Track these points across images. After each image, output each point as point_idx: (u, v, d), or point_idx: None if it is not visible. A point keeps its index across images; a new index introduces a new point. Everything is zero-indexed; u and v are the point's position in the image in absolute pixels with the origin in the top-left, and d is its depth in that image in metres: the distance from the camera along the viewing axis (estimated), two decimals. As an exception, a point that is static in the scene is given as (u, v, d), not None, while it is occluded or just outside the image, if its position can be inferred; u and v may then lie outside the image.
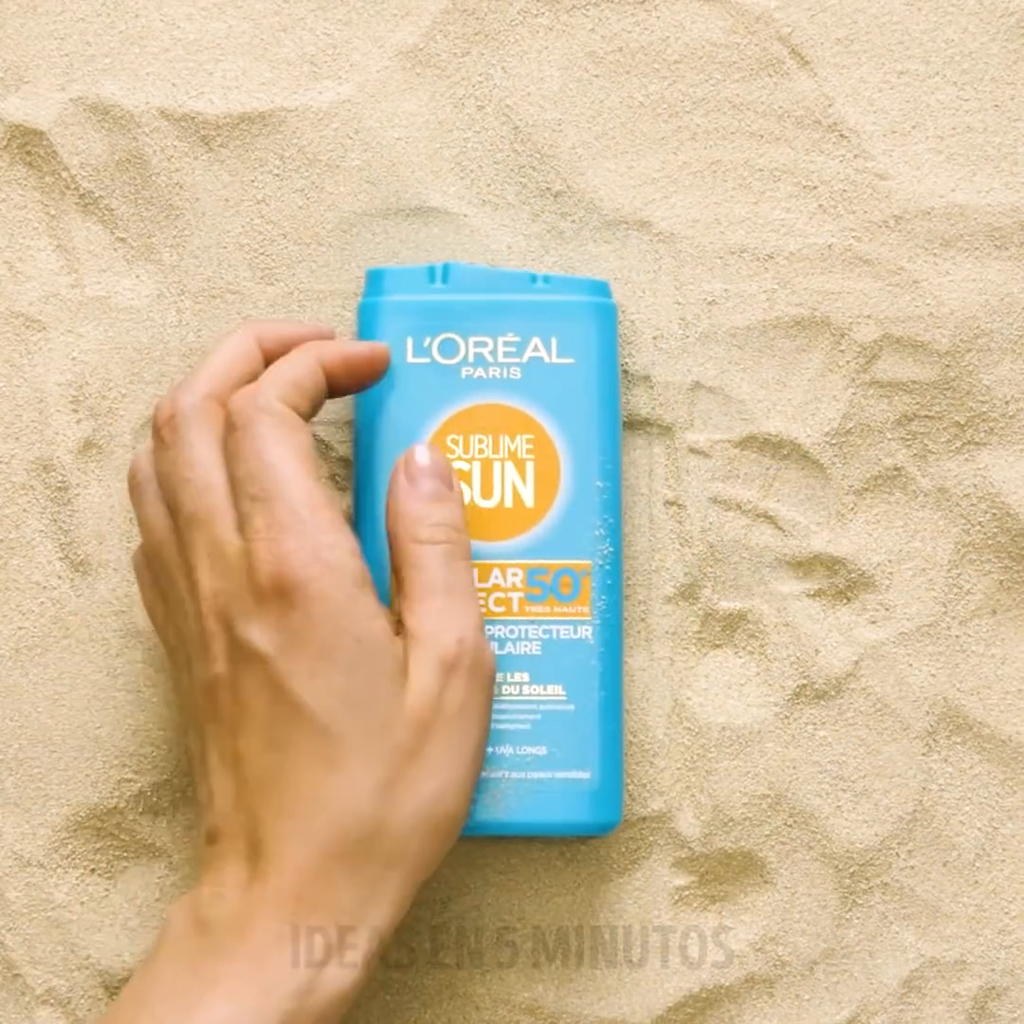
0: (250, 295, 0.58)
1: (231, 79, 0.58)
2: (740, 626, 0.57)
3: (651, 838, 0.56)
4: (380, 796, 0.48)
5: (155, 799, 0.57)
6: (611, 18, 0.58)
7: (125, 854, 0.57)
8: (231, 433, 0.50)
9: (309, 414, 0.51)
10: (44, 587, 0.58)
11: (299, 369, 0.51)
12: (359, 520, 0.54)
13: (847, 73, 0.57)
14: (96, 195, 0.58)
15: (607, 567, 0.54)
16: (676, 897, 0.57)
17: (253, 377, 0.52)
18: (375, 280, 0.55)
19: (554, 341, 0.54)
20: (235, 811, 0.49)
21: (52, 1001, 0.57)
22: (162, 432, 0.51)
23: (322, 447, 0.57)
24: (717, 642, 0.57)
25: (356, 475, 0.54)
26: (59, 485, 0.57)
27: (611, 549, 0.54)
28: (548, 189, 0.58)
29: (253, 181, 0.58)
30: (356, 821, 0.48)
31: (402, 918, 0.49)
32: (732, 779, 0.57)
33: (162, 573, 0.51)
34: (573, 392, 0.54)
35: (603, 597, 0.54)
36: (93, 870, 0.57)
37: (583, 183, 0.58)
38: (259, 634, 0.48)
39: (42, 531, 0.58)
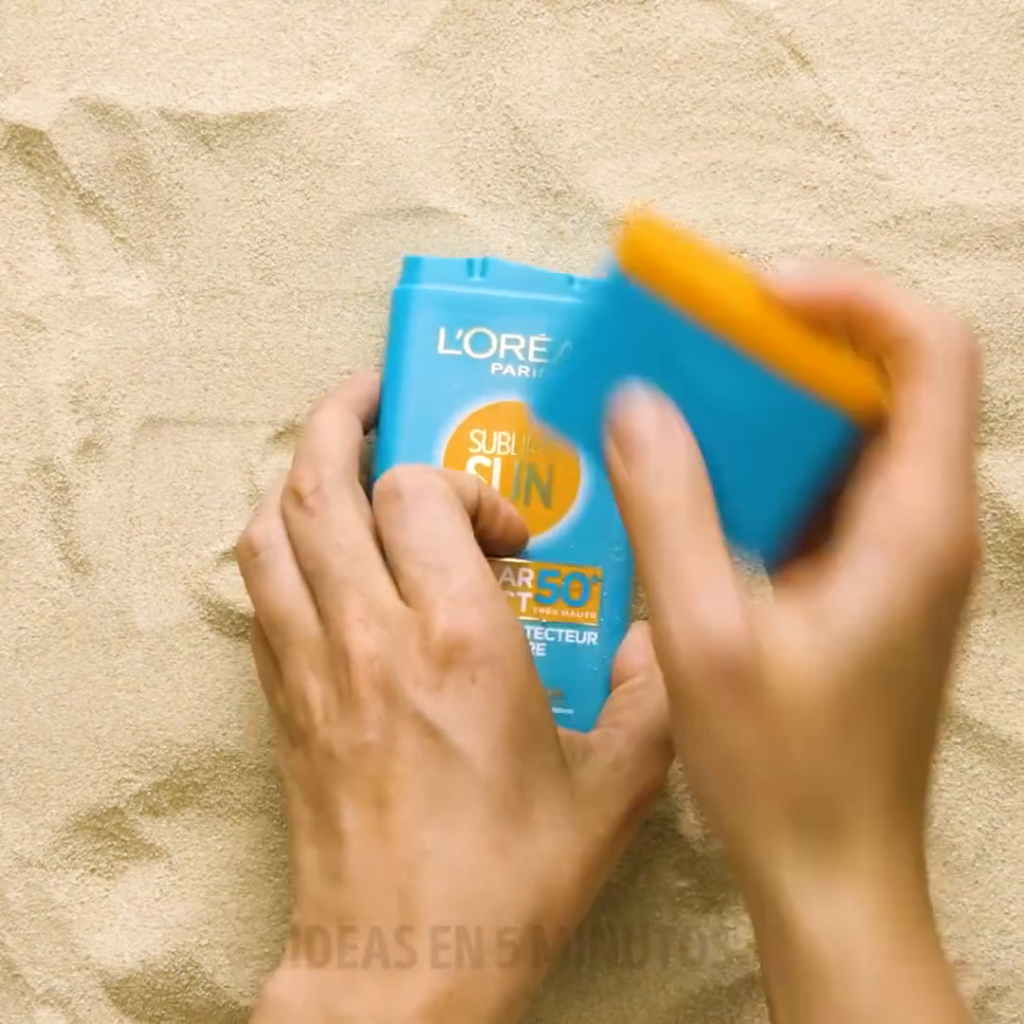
0: (250, 295, 0.58)
1: (231, 79, 0.58)
2: (740, 626, 0.57)
3: (652, 840, 0.56)
4: (542, 893, 0.47)
5: (155, 799, 0.57)
6: (611, 18, 0.58)
7: (125, 854, 0.57)
8: (393, 501, 0.49)
9: None
10: (44, 587, 0.58)
11: (464, 478, 0.51)
12: None
13: (847, 73, 0.57)
14: (96, 195, 0.58)
15: (619, 574, 0.53)
16: (677, 898, 0.57)
17: (359, 450, 0.52)
18: (412, 267, 0.54)
19: None
20: (380, 891, 0.46)
21: (52, 1001, 0.57)
22: (308, 501, 0.49)
23: (322, 447, 0.57)
24: (717, 642, 0.57)
25: (377, 460, 0.54)
26: (59, 485, 0.57)
27: (624, 558, 0.53)
28: (548, 189, 0.58)
29: (253, 181, 0.58)
30: (516, 917, 0.46)
31: None
32: (732, 779, 0.57)
33: (289, 641, 0.49)
34: None
35: (612, 604, 0.53)
36: (93, 870, 0.57)
37: (583, 183, 0.58)
38: (434, 705, 0.46)
39: (42, 531, 0.58)
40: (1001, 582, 0.57)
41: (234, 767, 0.57)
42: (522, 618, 0.53)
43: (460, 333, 0.53)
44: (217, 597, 0.57)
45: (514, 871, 0.46)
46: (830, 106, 0.57)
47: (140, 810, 0.57)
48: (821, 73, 0.57)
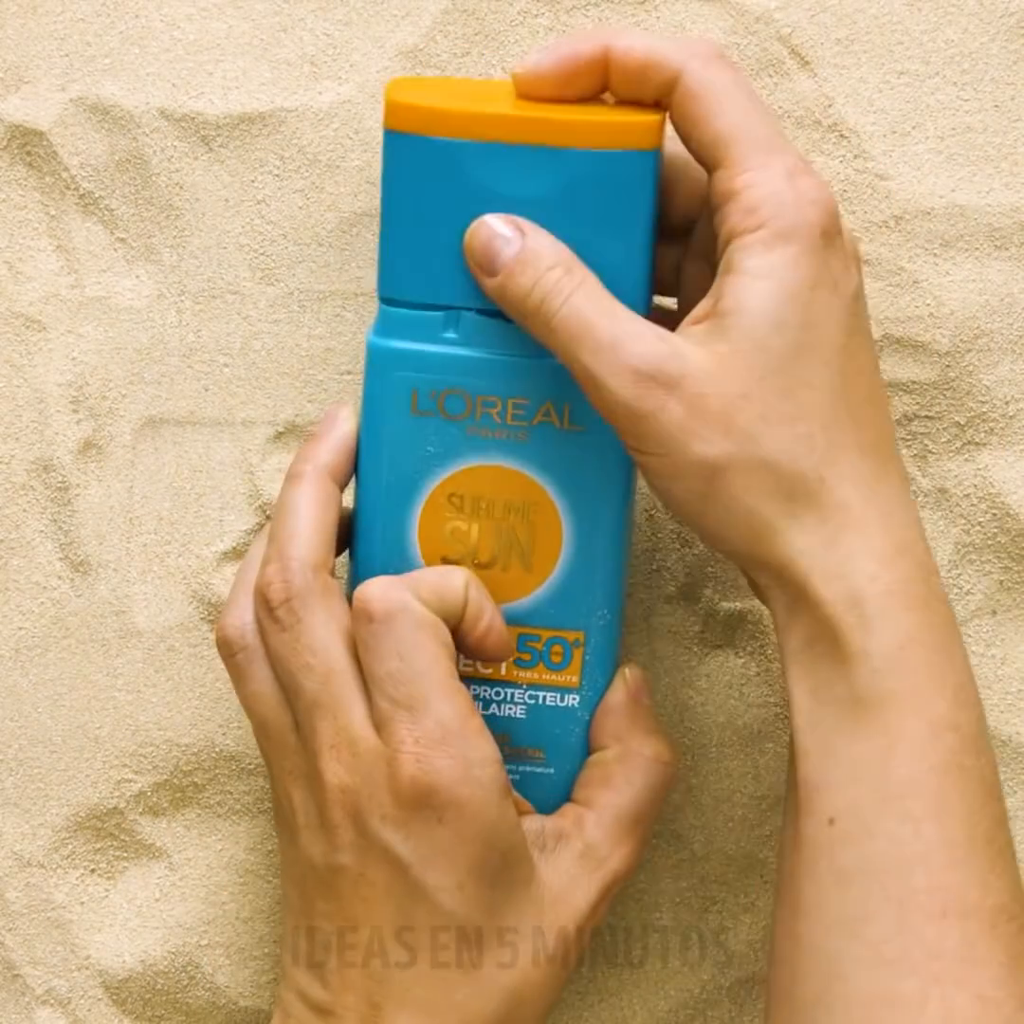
0: (250, 295, 0.58)
1: (231, 79, 0.58)
2: (741, 626, 0.57)
3: (652, 840, 0.56)
4: (512, 995, 0.48)
5: (155, 799, 0.57)
6: (611, 18, 0.58)
7: (125, 854, 0.58)
8: (365, 624, 0.48)
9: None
10: (44, 587, 0.58)
11: (450, 579, 0.50)
12: (356, 572, 0.52)
13: (847, 73, 0.57)
14: (96, 195, 0.58)
15: (601, 638, 0.52)
16: (677, 898, 0.57)
17: (338, 521, 0.51)
18: (388, 320, 0.51)
19: (567, 407, 0.51)
20: (355, 997, 0.48)
21: (52, 1001, 0.57)
22: (277, 612, 0.48)
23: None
24: (718, 642, 0.57)
25: (356, 525, 0.52)
26: (59, 485, 0.57)
27: (608, 620, 0.52)
28: (548, 189, 0.58)
29: (253, 181, 0.58)
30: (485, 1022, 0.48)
31: None
32: (732, 779, 0.57)
33: (269, 746, 0.50)
34: (582, 461, 0.51)
35: (595, 667, 0.52)
36: (93, 870, 0.57)
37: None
38: (401, 843, 0.47)
39: (42, 531, 0.58)
40: (1001, 582, 0.57)
41: (234, 767, 0.57)
42: (502, 681, 0.52)
43: (434, 394, 0.51)
44: (217, 597, 0.57)
45: (483, 985, 0.48)
46: (830, 106, 0.57)
47: (140, 810, 0.57)
48: (821, 73, 0.57)
